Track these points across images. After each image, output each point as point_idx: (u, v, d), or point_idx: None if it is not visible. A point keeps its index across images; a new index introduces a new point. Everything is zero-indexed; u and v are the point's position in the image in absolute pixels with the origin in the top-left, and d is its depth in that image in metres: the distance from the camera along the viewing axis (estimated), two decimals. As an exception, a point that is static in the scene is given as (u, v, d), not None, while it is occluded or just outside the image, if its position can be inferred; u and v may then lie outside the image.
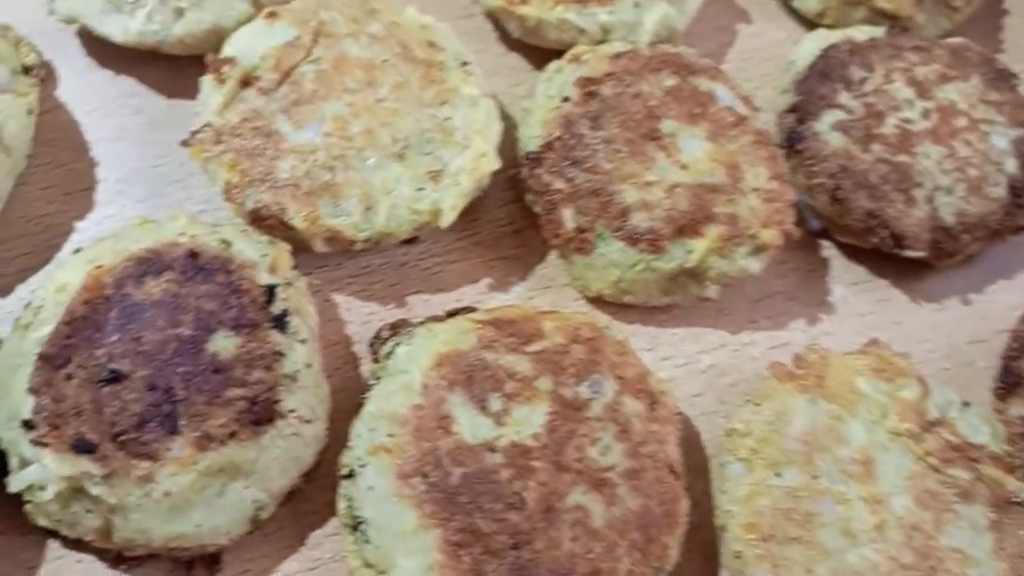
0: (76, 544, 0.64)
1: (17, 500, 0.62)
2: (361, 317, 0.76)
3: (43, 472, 0.59)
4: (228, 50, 0.75)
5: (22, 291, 0.75)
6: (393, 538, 0.63)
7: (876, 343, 0.77)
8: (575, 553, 0.64)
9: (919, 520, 0.69)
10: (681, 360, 0.79)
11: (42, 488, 0.60)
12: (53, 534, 0.64)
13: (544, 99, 0.82)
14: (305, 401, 0.65)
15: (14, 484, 0.61)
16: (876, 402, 0.73)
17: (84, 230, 0.78)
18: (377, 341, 0.72)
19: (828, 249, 0.86)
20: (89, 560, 0.65)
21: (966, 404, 0.75)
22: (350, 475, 0.66)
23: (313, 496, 0.68)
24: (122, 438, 0.60)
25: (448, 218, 0.73)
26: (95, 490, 0.59)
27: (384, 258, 0.78)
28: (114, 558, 0.64)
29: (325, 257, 0.76)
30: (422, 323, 0.72)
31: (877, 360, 0.75)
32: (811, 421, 0.72)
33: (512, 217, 0.82)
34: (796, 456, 0.70)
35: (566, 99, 0.79)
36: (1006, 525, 0.70)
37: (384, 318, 0.74)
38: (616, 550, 0.65)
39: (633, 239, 0.75)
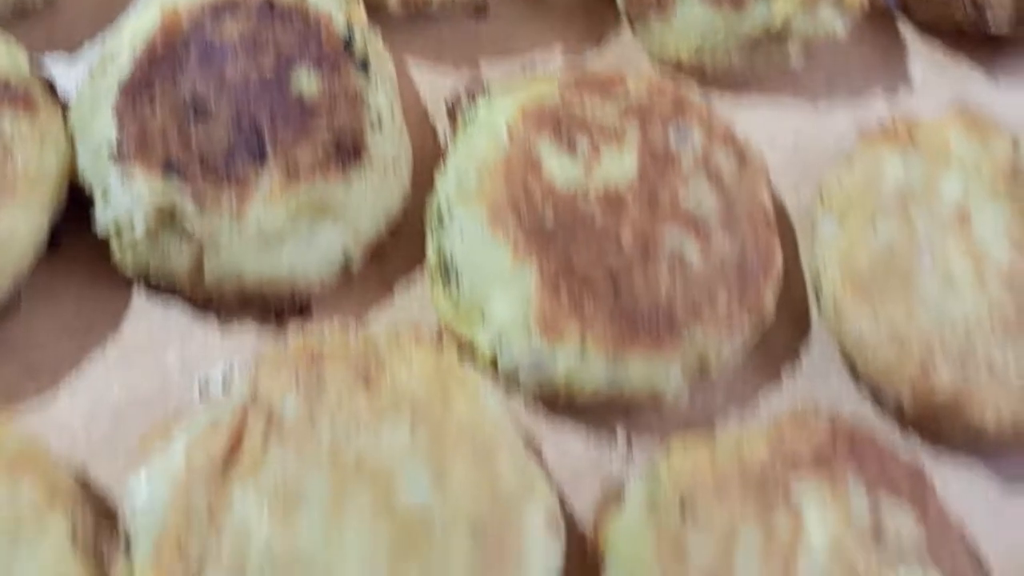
0: (164, 289, 0.62)
1: (103, 250, 0.61)
2: (436, 84, 0.73)
3: (133, 200, 0.57)
4: None
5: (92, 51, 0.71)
6: (487, 278, 0.62)
7: (964, 106, 0.76)
8: (672, 293, 0.63)
9: (1018, 270, 0.68)
10: (763, 133, 0.76)
11: (131, 225, 0.58)
12: (139, 281, 0.62)
13: None
14: (390, 146, 0.63)
15: (102, 219, 0.59)
16: (969, 157, 0.71)
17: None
18: (457, 104, 0.70)
19: (905, 27, 0.83)
20: (177, 311, 0.63)
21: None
22: (440, 222, 0.65)
23: (400, 252, 0.67)
24: (212, 165, 0.58)
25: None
26: (187, 218, 0.57)
27: (455, 29, 0.76)
28: (203, 304, 0.62)
29: (398, 24, 0.73)
30: (501, 86, 0.70)
31: (966, 119, 0.74)
32: (905, 175, 0.70)
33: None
34: (892, 209, 0.69)
35: None
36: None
37: (460, 84, 0.72)
38: (713, 293, 0.64)
39: (716, -3, 0.72)
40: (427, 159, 0.69)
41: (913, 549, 0.57)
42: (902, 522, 0.57)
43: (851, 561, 0.55)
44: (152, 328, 0.63)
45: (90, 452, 0.59)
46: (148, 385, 0.61)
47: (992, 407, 0.63)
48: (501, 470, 0.55)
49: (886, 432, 0.67)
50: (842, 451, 0.59)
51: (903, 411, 0.65)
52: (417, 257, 0.66)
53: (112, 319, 0.63)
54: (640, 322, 0.61)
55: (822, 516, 0.56)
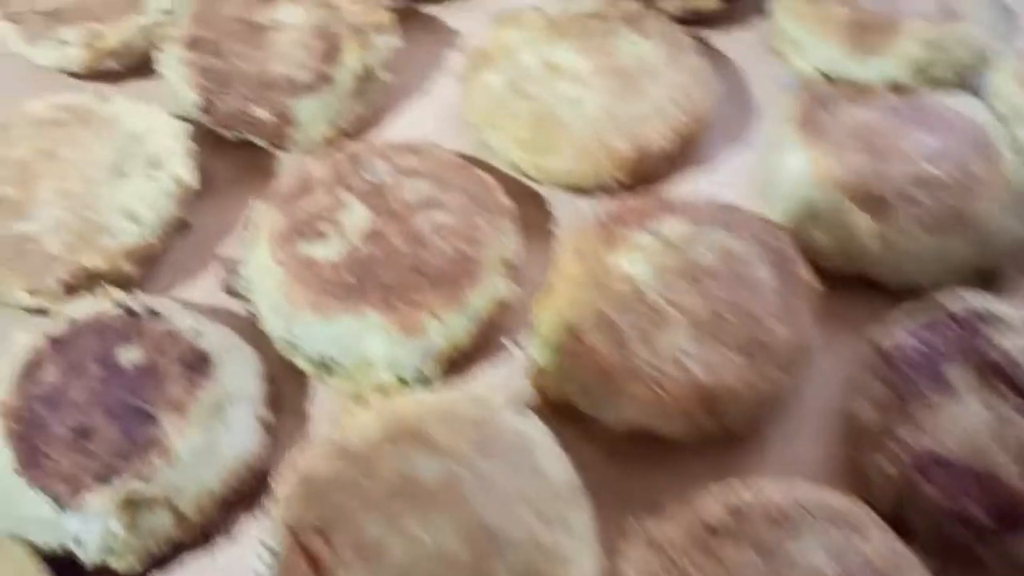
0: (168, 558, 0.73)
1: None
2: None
3: (102, 518, 0.68)
4: None
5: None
6: (351, 342, 0.79)
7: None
8: (453, 243, 0.84)
9: (600, 63, 0.95)
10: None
11: (113, 535, 0.69)
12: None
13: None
14: (218, 334, 0.80)
15: (90, 555, 0.69)
16: (515, 37, 0.99)
17: None
18: (229, 281, 0.87)
19: None
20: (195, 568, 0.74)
21: None
22: (290, 344, 0.81)
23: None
24: (123, 451, 0.71)
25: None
26: (146, 491, 0.69)
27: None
28: (204, 539, 0.74)
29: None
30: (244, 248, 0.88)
31: (507, 16, 1.02)
32: (504, 75, 0.97)
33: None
34: (517, 91, 0.95)
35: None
36: (645, 27, 0.99)
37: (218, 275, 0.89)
38: (476, 224, 0.85)
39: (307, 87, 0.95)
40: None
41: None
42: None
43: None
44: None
45: None
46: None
47: (655, 135, 0.90)
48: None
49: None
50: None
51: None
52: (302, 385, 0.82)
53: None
54: (453, 276, 0.81)
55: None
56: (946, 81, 0.96)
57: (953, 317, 0.76)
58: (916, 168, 0.85)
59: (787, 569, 0.63)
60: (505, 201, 0.88)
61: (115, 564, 0.71)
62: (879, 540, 0.65)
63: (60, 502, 0.69)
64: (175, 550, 0.73)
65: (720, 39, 1.07)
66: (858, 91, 0.93)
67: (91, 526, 0.69)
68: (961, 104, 0.92)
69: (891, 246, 0.82)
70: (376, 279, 0.81)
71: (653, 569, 0.64)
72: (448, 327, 0.79)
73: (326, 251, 0.83)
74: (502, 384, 0.82)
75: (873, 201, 0.83)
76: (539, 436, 0.72)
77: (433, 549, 0.65)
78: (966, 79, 0.97)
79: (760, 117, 1.00)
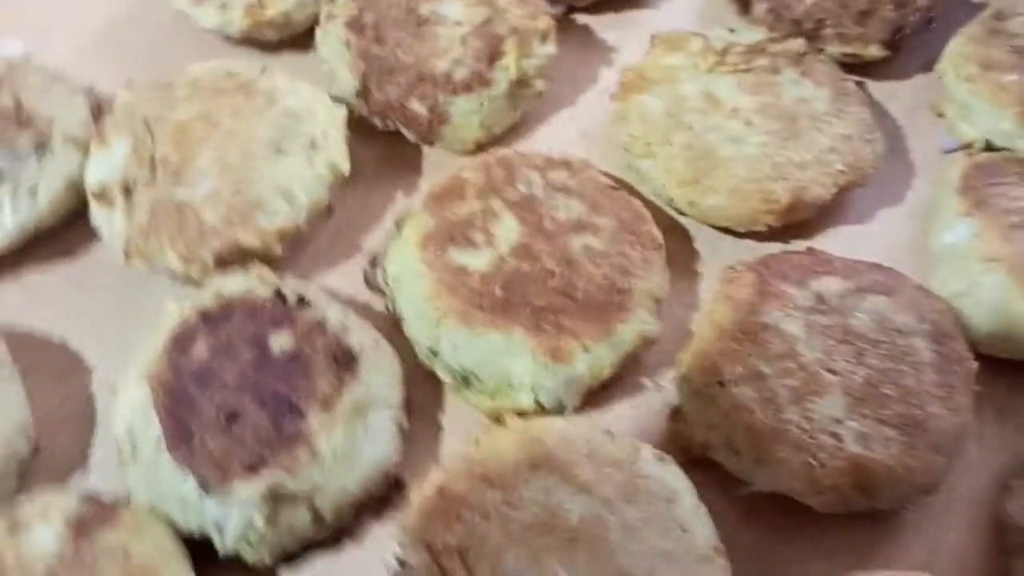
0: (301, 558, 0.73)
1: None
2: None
3: (244, 506, 0.69)
4: (94, 183, 0.85)
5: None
6: (493, 360, 0.78)
7: (653, 35, 1.01)
8: (604, 269, 0.82)
9: (764, 102, 0.93)
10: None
11: (252, 525, 0.69)
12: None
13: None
14: (366, 334, 0.79)
15: (227, 544, 0.70)
16: (683, 64, 0.97)
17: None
18: (370, 274, 0.86)
19: None
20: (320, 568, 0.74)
21: (732, 30, 1.01)
22: (434, 355, 0.80)
23: (423, 401, 0.82)
24: (271, 443, 0.70)
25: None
26: (291, 485, 0.69)
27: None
28: (333, 540, 0.74)
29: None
30: (387, 243, 0.87)
31: (660, 42, 0.99)
32: (662, 103, 0.94)
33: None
34: (672, 127, 0.92)
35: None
36: (809, 69, 0.97)
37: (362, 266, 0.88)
38: (626, 252, 0.84)
39: (465, 86, 0.93)
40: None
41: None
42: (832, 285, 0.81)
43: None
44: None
45: None
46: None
47: (814, 186, 0.88)
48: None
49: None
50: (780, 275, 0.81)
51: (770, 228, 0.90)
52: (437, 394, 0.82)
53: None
54: (603, 304, 0.80)
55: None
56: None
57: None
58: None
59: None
60: (656, 233, 0.86)
61: (248, 555, 0.71)
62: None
63: (206, 486, 0.69)
64: (304, 548, 0.73)
65: (878, 89, 1.04)
66: (1027, 168, 0.91)
67: (234, 514, 0.69)
68: None
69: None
70: (525, 297, 0.80)
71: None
72: (594, 358, 0.78)
73: (476, 260, 0.82)
74: (634, 422, 0.81)
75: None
76: (683, 488, 0.71)
77: (572, 591, 0.65)
78: None
79: (917, 177, 0.97)
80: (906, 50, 1.03)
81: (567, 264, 0.82)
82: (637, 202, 0.88)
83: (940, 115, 1.00)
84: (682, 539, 0.68)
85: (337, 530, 0.74)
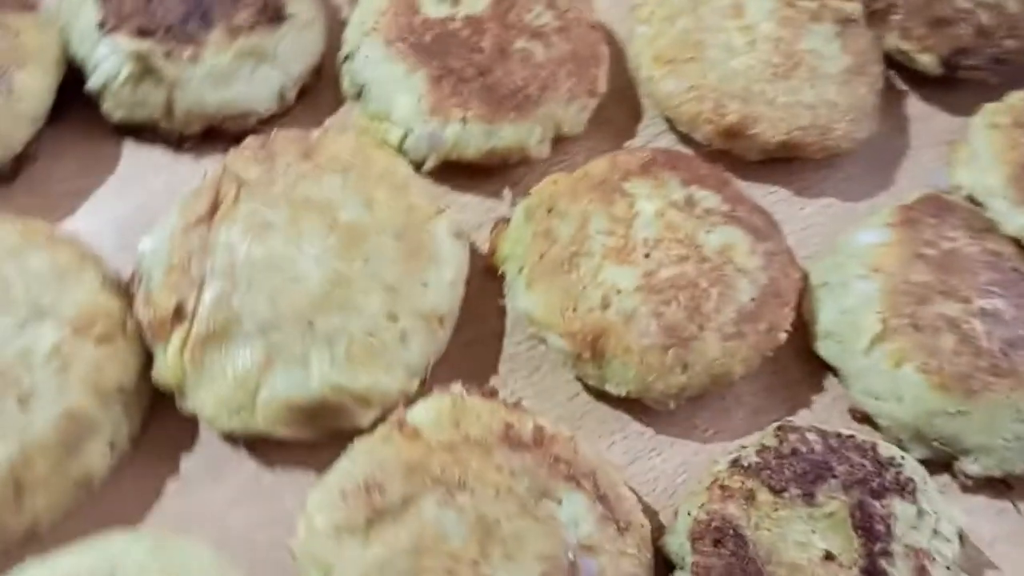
0: (146, 136, 0.83)
1: (96, 113, 0.81)
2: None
3: (117, 58, 0.78)
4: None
5: None
6: (389, 87, 0.83)
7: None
8: (526, 79, 0.85)
9: (781, 35, 0.91)
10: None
11: (116, 76, 0.79)
12: (126, 132, 0.83)
13: None
14: (306, 10, 0.86)
15: (94, 80, 0.80)
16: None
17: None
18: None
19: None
20: (160, 151, 0.84)
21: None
22: (350, 59, 0.86)
23: (323, 89, 0.89)
24: (173, 30, 0.79)
25: None
26: (159, 64, 0.78)
27: None
28: (177, 140, 0.83)
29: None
30: None
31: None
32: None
33: None
34: (685, 8, 0.92)
35: None
36: (848, 35, 0.93)
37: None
38: (557, 77, 0.86)
39: None
40: (334, 28, 0.91)
41: (718, 213, 0.79)
42: (708, 198, 0.79)
43: (673, 222, 0.77)
44: (140, 163, 0.83)
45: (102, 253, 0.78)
46: (141, 202, 0.81)
47: (768, 124, 0.86)
48: (414, 198, 0.76)
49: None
50: (661, 161, 0.81)
51: (710, 144, 0.88)
52: (335, 93, 0.88)
53: (109, 162, 0.83)
54: (505, 99, 0.83)
55: (649, 196, 0.78)
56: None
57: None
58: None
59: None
60: (602, 81, 0.88)
61: (105, 103, 0.81)
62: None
63: (103, 24, 0.79)
64: (151, 130, 0.83)
65: (914, 105, 0.99)
66: (986, 229, 0.85)
67: (110, 58, 0.79)
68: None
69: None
70: (447, 54, 0.84)
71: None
72: (467, 132, 0.82)
73: (435, 10, 0.87)
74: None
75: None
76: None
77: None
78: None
79: (887, 196, 0.93)
80: (964, 86, 0.97)
81: (500, 52, 0.85)
82: (604, 48, 0.90)
83: (947, 149, 0.94)
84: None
85: (181, 138, 0.83)
